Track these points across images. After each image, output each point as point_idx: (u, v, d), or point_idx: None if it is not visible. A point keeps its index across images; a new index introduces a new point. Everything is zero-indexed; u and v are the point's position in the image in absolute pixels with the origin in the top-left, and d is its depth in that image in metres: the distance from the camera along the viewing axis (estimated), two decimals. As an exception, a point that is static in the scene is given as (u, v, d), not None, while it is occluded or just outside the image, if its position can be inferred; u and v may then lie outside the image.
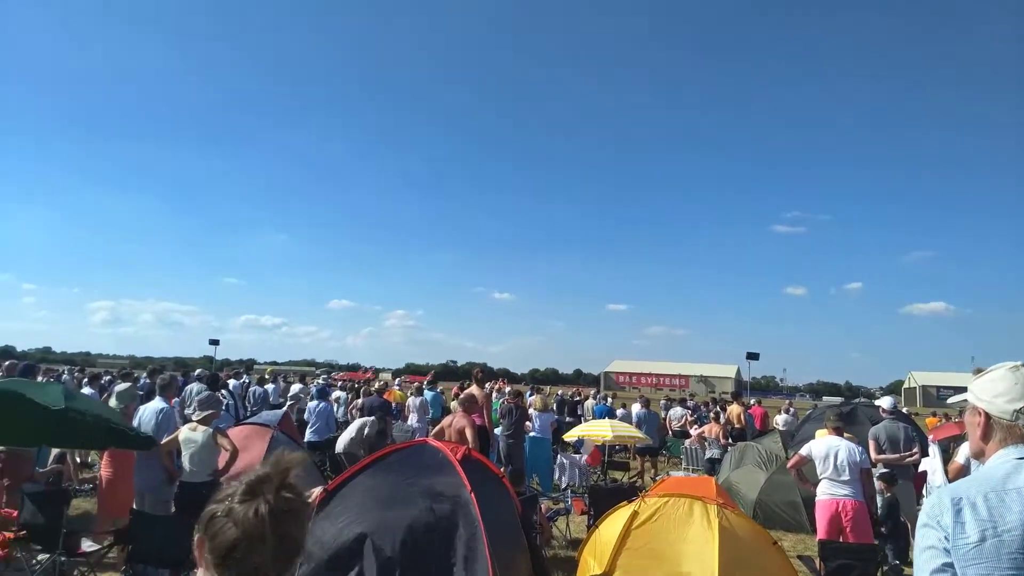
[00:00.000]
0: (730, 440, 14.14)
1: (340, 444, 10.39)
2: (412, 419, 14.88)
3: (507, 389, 18.35)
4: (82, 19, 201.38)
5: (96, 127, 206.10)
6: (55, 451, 8.83)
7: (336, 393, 17.58)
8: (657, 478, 12.21)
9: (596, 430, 12.13)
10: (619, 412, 17.52)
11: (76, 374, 20.62)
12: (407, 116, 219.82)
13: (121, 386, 7.63)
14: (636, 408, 16.99)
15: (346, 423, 15.03)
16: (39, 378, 8.68)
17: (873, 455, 8.15)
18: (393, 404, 16.30)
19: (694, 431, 15.21)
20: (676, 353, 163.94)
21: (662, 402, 24.78)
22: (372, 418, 10.65)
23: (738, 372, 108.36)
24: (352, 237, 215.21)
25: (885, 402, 9.50)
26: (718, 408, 17.39)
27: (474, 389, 9.61)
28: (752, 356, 49.50)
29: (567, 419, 18.14)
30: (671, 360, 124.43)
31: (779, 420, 19.39)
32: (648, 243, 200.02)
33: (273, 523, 1.23)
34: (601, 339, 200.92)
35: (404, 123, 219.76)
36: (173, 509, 6.53)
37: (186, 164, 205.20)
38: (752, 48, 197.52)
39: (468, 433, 7.67)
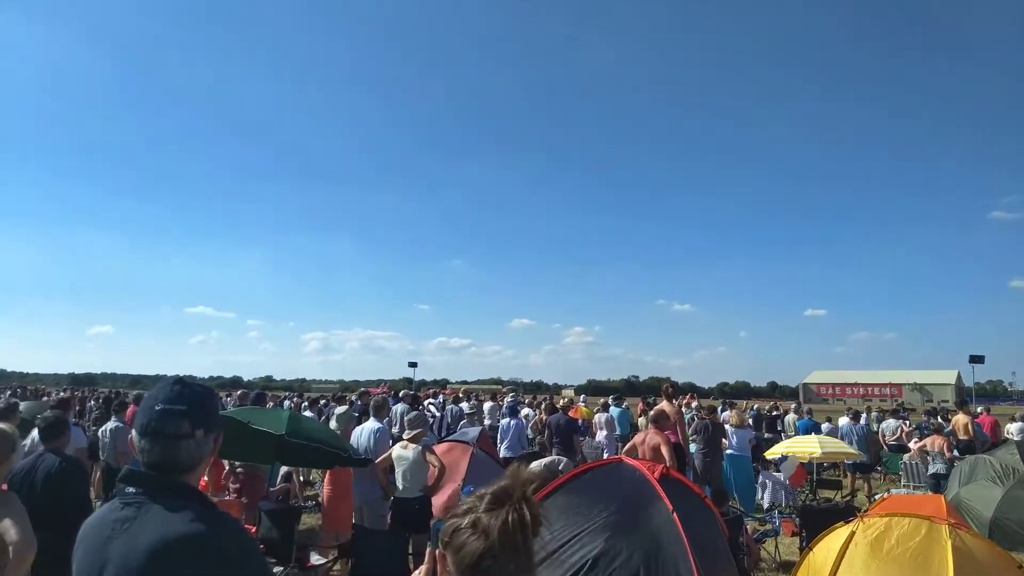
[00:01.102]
0: (956, 453, 12.70)
1: (534, 467, 10.51)
2: (600, 435, 14.82)
3: (694, 404, 17.80)
4: (284, 76, 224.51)
5: (299, 174, 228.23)
6: (283, 470, 9.77)
7: (525, 411, 17.94)
8: (875, 496, 11.23)
9: (803, 446, 11.39)
10: (824, 426, 16.37)
11: (295, 399, 22.72)
12: (573, 131, 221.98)
13: (340, 409, 8.34)
14: (843, 421, 15.80)
15: (533, 440, 15.30)
16: (268, 404, 9.66)
17: None
18: (580, 421, 16.34)
19: (913, 444, 13.84)
20: (885, 360, 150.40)
21: (874, 414, 22.91)
22: (567, 460, 10.60)
23: (958, 378, 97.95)
24: (528, 258, 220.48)
25: None
26: (940, 418, 15.71)
27: (665, 405, 9.37)
28: (976, 359, 44.37)
29: (766, 435, 17.23)
30: (879, 368, 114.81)
31: (1013, 429, 17.06)
32: (847, 240, 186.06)
33: (523, 532, 1.24)
34: (797, 348, 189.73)
35: (570, 139, 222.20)
36: (388, 523, 6.94)
37: (375, 202, 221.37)
38: (948, 25, 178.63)
39: (664, 451, 7.48)
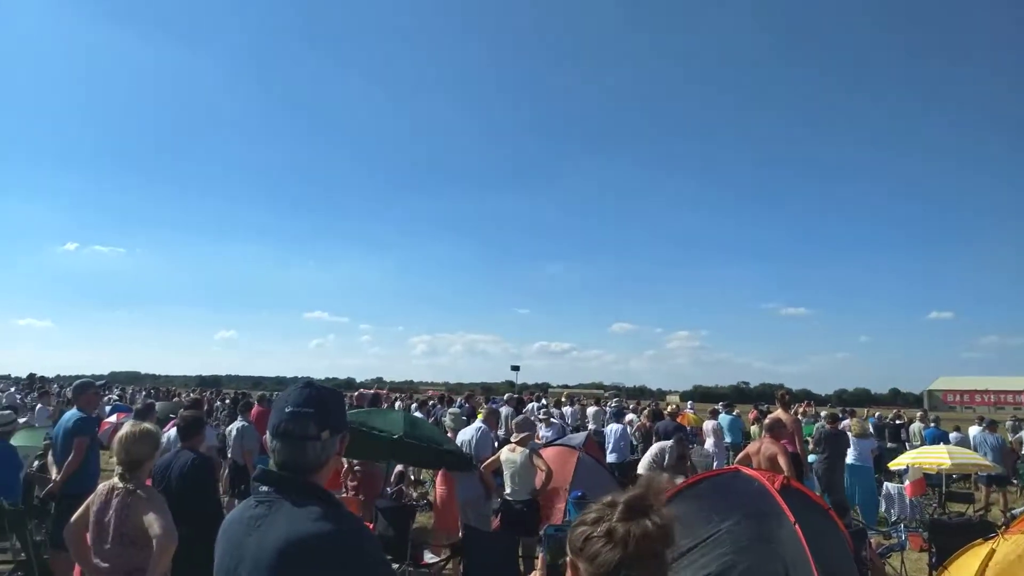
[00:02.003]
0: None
1: (641, 467, 10.36)
2: (709, 443, 14.43)
3: (824, 413, 17.02)
4: (392, 90, 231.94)
5: (402, 184, 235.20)
6: (396, 469, 10.08)
7: (629, 416, 17.70)
8: (1012, 511, 10.41)
9: (931, 457, 10.68)
10: (953, 435, 15.31)
11: (405, 400, 23.41)
12: (675, 129, 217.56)
13: (453, 410, 8.58)
14: (974, 430, 14.73)
15: (637, 447, 15.06)
16: (383, 405, 10.05)
17: None
18: (688, 428, 15.96)
19: (1052, 457, 12.74)
20: (1018, 366, 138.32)
21: (1008, 423, 21.28)
22: (671, 442, 10.41)
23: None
24: (629, 261, 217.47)
25: None
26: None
27: (781, 413, 9.01)
28: None
29: (889, 445, 16.28)
30: (1012, 374, 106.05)
31: None
32: (976, 238, 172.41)
33: (661, 542, 1.22)
34: (920, 353, 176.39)
35: (672, 137, 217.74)
36: (495, 524, 7.00)
37: (475, 208, 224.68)
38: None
39: (781, 460, 7.16)
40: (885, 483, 11.37)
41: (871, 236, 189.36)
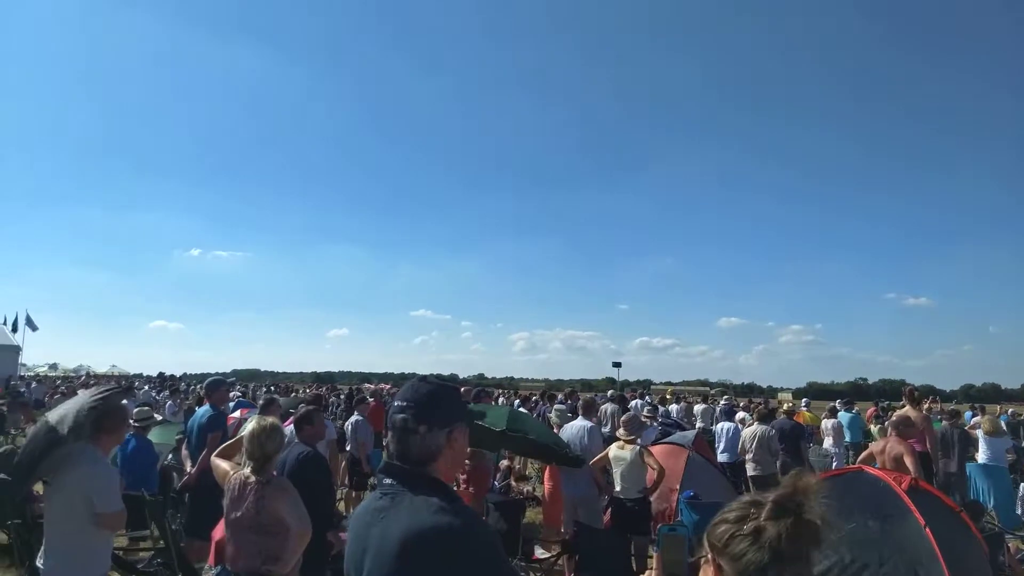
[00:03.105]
0: None
1: (750, 468, 10.03)
2: (827, 443, 13.83)
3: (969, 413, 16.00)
4: (480, 88, 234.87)
5: (505, 184, 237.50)
6: (504, 463, 10.21)
7: (740, 414, 17.17)
8: None
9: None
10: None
11: (510, 396, 23.67)
12: (784, 118, 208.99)
13: (559, 407, 8.64)
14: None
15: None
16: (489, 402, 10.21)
17: None
18: (805, 426, 15.32)
19: None
20: None
21: None
22: (773, 431, 9.95)
23: None
24: (736, 252, 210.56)
25: None
26: None
27: (909, 409, 8.49)
28: None
29: (1024, 444, 15.05)
30: None
31: None
32: None
33: (812, 543, 1.19)
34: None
35: (781, 126, 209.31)
36: (605, 521, 6.94)
37: (573, 203, 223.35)
38: None
39: (908, 461, 6.73)
40: (1022, 484, 10.54)
41: (1001, 218, 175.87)
